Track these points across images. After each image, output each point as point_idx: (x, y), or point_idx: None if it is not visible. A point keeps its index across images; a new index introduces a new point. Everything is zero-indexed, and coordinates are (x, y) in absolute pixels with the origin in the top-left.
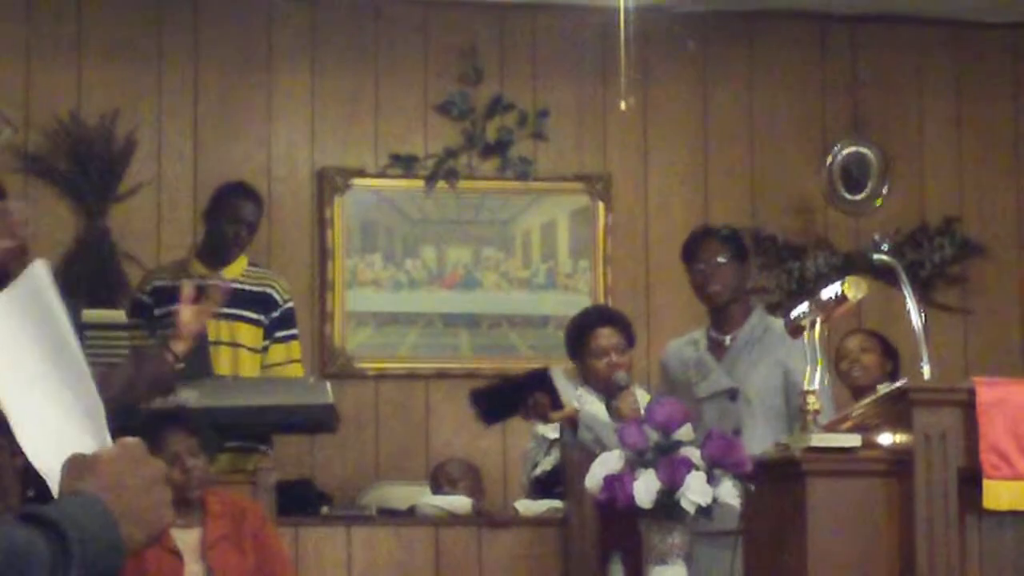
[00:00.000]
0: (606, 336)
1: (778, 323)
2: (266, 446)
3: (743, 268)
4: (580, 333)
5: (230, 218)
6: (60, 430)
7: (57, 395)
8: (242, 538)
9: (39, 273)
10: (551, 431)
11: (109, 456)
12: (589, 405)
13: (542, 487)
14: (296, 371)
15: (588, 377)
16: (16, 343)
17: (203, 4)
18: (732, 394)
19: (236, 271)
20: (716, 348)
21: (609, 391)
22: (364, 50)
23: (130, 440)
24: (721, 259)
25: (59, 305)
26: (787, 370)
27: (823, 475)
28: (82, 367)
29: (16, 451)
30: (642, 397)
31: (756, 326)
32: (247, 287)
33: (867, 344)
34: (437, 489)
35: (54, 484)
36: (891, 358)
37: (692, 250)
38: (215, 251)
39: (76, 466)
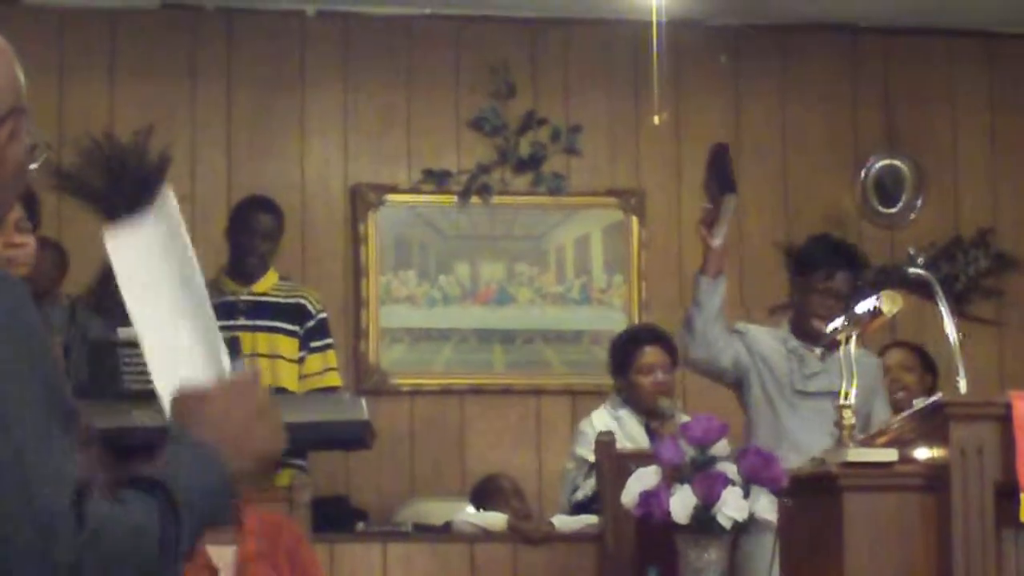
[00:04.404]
0: (653, 354)
1: (855, 349)
2: (302, 461)
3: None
4: (626, 350)
5: (246, 231)
6: (183, 355)
7: (184, 321)
8: (277, 555)
9: (171, 202)
10: (590, 454)
11: (215, 392)
12: (621, 425)
13: (583, 510)
14: (334, 379)
15: (631, 396)
16: (155, 267)
17: (236, 21)
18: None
19: (267, 286)
20: (809, 352)
21: (652, 414)
22: (397, 66)
23: (238, 373)
24: (844, 284)
25: (186, 235)
26: (873, 398)
27: (859, 490)
28: (204, 297)
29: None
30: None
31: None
32: (280, 300)
33: (907, 361)
34: (488, 504)
35: (166, 407)
36: (930, 372)
37: (817, 266)
38: (241, 267)
39: (184, 402)
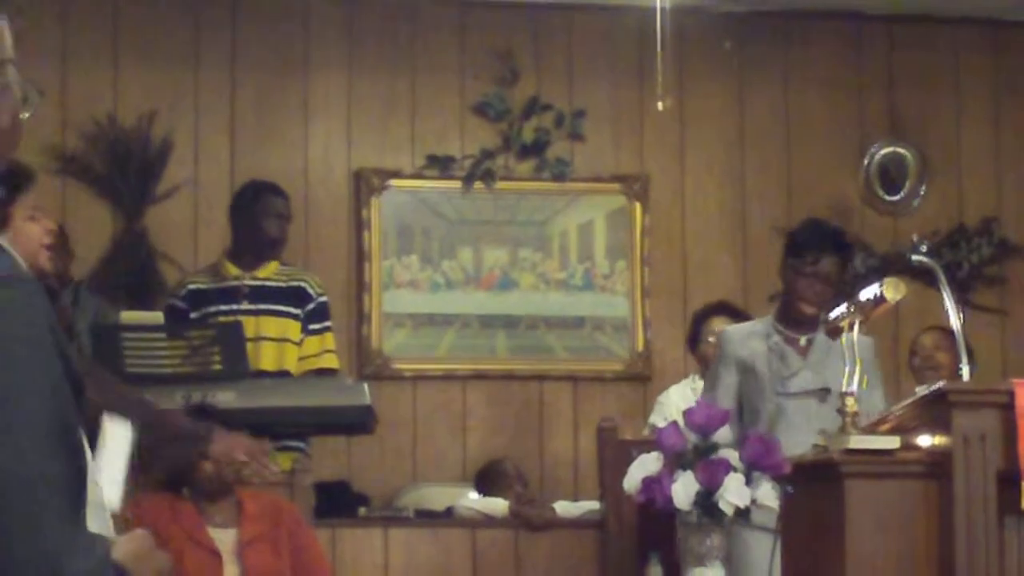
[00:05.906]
0: (717, 322)
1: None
2: (303, 445)
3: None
4: (696, 325)
5: (264, 214)
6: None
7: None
8: (279, 539)
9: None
10: (662, 421)
11: (122, 542)
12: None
13: None
14: (331, 360)
15: (702, 367)
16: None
17: (240, 5)
18: (823, 395)
19: (269, 271)
20: (792, 345)
21: None
22: (401, 51)
23: (140, 532)
24: (831, 269)
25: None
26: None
27: (862, 477)
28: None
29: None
30: None
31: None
32: (282, 284)
33: (942, 342)
34: (490, 489)
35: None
36: (968, 357)
37: (805, 250)
38: (248, 252)
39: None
